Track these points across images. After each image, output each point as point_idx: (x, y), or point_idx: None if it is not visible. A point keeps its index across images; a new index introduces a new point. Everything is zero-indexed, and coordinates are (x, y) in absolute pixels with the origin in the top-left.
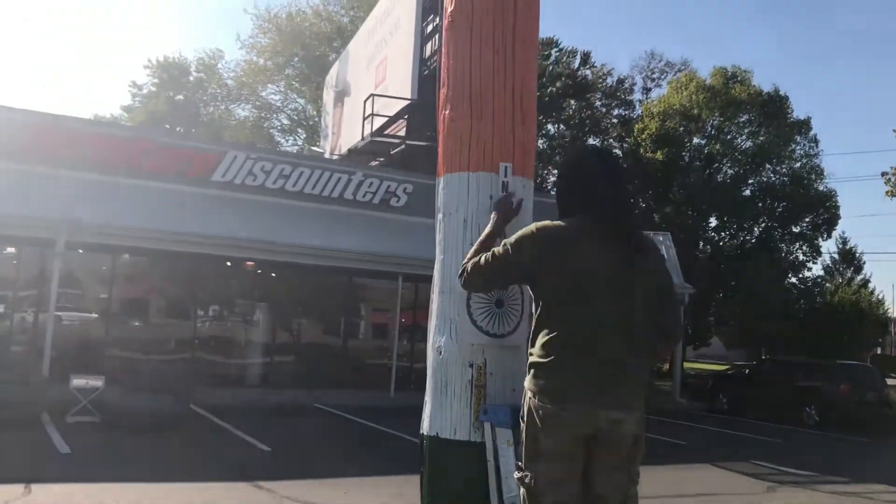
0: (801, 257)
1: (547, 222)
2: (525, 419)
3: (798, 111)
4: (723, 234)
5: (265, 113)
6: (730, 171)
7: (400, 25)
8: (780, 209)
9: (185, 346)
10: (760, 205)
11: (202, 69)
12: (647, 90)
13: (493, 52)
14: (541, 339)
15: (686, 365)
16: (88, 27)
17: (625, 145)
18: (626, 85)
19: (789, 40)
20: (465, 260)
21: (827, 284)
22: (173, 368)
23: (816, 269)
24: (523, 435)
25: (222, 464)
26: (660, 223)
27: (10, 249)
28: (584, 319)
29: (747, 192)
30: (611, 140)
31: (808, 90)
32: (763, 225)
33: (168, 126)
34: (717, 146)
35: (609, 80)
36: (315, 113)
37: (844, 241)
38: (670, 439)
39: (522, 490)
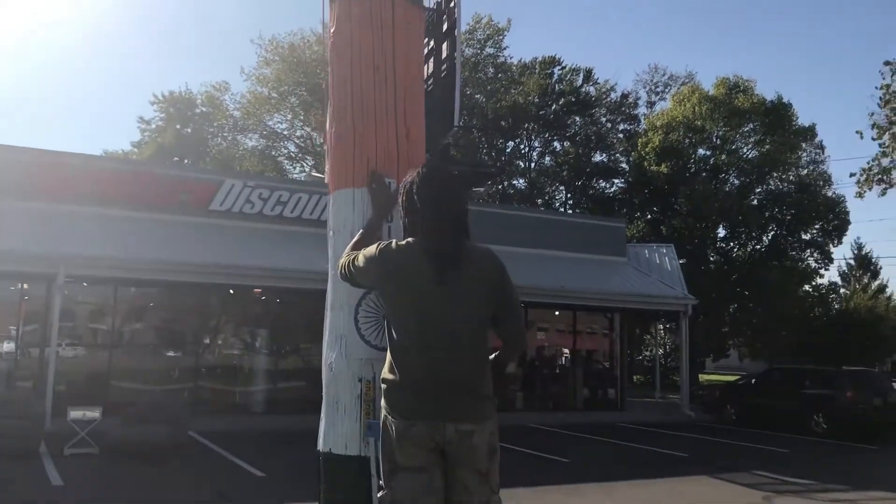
0: (812, 264)
1: (390, 244)
2: (382, 436)
3: (803, 118)
4: (732, 244)
5: (273, 142)
6: (736, 181)
7: None
8: (788, 217)
9: (187, 375)
10: (768, 213)
11: (208, 102)
12: (651, 104)
13: (374, 69)
14: (388, 357)
15: (702, 377)
16: (94, 66)
17: (630, 159)
18: (631, 99)
19: (791, 48)
20: (345, 253)
21: (843, 290)
22: (172, 397)
23: (832, 276)
24: (380, 452)
25: (210, 490)
26: (667, 235)
27: (22, 285)
28: (415, 339)
29: (755, 202)
30: (617, 155)
31: (812, 96)
32: (772, 233)
33: (177, 159)
34: (723, 156)
35: (613, 96)
36: (322, 140)
37: (860, 247)
38: (672, 452)
39: None
